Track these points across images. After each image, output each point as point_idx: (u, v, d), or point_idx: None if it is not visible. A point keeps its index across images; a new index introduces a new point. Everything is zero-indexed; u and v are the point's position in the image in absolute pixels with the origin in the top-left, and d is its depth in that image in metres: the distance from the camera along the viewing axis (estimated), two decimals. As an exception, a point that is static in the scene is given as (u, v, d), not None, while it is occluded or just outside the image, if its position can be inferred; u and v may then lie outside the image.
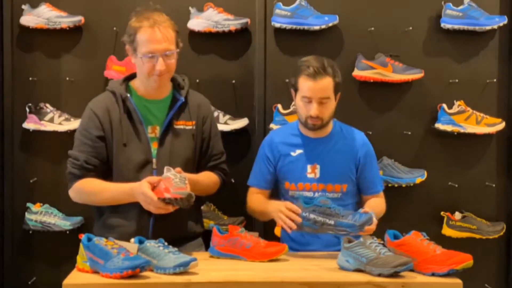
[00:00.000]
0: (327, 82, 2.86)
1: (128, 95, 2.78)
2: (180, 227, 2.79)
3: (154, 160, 2.76)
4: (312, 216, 2.61)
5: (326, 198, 2.66)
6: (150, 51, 2.68)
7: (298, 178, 2.96)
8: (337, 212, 2.60)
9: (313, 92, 2.85)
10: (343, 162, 2.98)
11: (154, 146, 2.77)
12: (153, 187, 2.56)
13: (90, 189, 2.75)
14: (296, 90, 2.93)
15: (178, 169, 2.61)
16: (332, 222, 2.58)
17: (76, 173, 2.76)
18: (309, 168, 2.97)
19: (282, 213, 2.70)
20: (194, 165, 2.87)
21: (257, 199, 3.04)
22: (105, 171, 2.77)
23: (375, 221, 2.62)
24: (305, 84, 2.87)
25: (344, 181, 2.97)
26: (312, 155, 2.98)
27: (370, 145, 3.05)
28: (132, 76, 2.88)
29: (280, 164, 3.01)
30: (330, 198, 2.87)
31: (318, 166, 2.97)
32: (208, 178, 2.88)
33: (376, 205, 2.95)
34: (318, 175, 2.96)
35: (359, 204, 3.04)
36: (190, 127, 2.84)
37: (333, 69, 2.89)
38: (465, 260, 2.34)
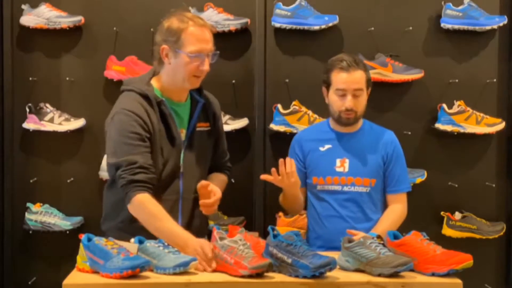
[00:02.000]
0: (360, 75, 2.93)
1: (163, 99, 2.70)
2: (201, 228, 2.81)
3: (181, 164, 2.73)
4: (274, 251, 2.37)
5: (291, 234, 2.39)
6: (199, 50, 2.66)
7: (327, 172, 2.98)
8: (298, 251, 2.31)
9: (348, 84, 2.91)
10: (372, 156, 3.00)
11: None
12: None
13: (146, 215, 2.57)
14: (329, 85, 2.97)
15: (241, 233, 2.51)
16: (289, 260, 2.30)
17: (137, 178, 2.54)
18: (338, 162, 2.98)
19: None
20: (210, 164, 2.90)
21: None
22: None
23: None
24: (338, 77, 2.93)
25: (373, 176, 2.98)
26: (341, 149, 3.00)
27: (398, 144, 3.08)
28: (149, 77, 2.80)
29: (308, 160, 3.03)
30: (359, 192, 2.94)
31: (347, 160, 2.98)
32: (221, 181, 2.89)
33: (389, 224, 2.91)
34: (347, 169, 2.97)
35: (384, 203, 3.04)
36: (207, 128, 2.85)
37: (364, 64, 2.99)
38: (465, 260, 2.33)
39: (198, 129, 2.79)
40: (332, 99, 2.97)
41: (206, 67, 2.69)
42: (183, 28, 2.66)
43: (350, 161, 2.98)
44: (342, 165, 2.98)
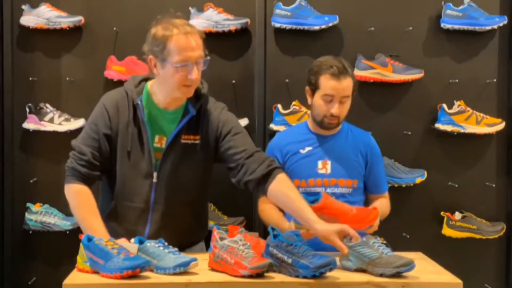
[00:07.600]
0: (349, 82, 2.92)
1: (139, 102, 2.67)
2: (183, 236, 2.73)
3: (155, 174, 2.68)
4: (275, 251, 2.37)
5: (291, 234, 2.39)
6: (185, 59, 2.56)
7: (309, 174, 2.97)
8: (298, 251, 2.31)
9: (337, 91, 2.90)
10: (354, 158, 3.00)
11: (157, 157, 2.68)
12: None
13: (78, 203, 2.68)
14: (315, 89, 2.95)
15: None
16: (290, 260, 2.31)
17: (80, 170, 2.65)
18: (320, 163, 2.98)
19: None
20: (201, 183, 2.77)
21: (270, 213, 2.95)
22: (107, 172, 2.70)
23: (377, 222, 2.59)
24: (328, 83, 2.91)
25: (355, 177, 2.99)
26: (322, 151, 3.00)
27: (377, 145, 3.09)
28: (150, 77, 2.77)
29: (288, 163, 3.01)
30: (341, 193, 2.92)
31: (329, 162, 2.98)
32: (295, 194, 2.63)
33: (381, 206, 2.98)
34: (329, 171, 2.97)
35: (366, 203, 3.06)
36: (196, 141, 2.72)
37: (351, 70, 2.97)
38: (377, 215, 2.65)
39: (183, 141, 2.70)
40: (318, 103, 2.95)
41: (194, 76, 2.58)
42: (167, 37, 2.58)
43: (332, 162, 2.98)
44: (324, 167, 2.97)
